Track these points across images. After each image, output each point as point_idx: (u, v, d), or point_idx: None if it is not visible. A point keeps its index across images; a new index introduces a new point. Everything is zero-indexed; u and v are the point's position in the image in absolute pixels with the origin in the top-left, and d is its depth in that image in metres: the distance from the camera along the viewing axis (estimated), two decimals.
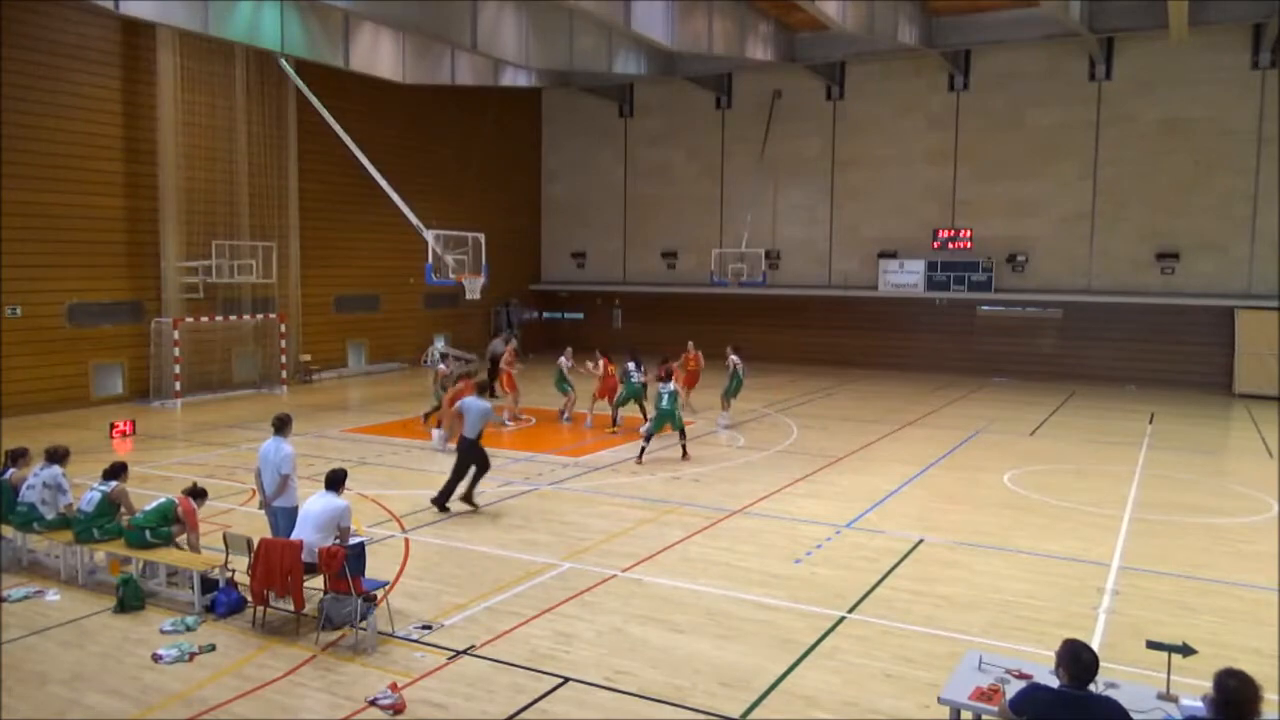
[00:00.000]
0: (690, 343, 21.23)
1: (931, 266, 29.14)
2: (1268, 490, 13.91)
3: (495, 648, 7.75)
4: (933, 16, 26.36)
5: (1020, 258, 28.40)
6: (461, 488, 12.15)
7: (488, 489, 13.40)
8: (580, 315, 35.94)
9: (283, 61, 21.81)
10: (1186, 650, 5.64)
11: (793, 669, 7.40)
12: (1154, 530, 11.72)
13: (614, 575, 9.64)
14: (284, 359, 24.46)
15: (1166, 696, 5.40)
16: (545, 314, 36.36)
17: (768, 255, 30.93)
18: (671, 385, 15.73)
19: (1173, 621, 8.46)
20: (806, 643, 7.91)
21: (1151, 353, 26.82)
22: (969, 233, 28.90)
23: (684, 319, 33.23)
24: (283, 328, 24.42)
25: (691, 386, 20.44)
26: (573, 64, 25.23)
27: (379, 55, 23.76)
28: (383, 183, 20.29)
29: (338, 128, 20.66)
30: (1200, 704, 4.71)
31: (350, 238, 27.56)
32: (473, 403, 12.33)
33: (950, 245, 29.14)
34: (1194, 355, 26.33)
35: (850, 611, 8.69)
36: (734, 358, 19.26)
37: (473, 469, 12.15)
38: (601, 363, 19.36)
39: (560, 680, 7.13)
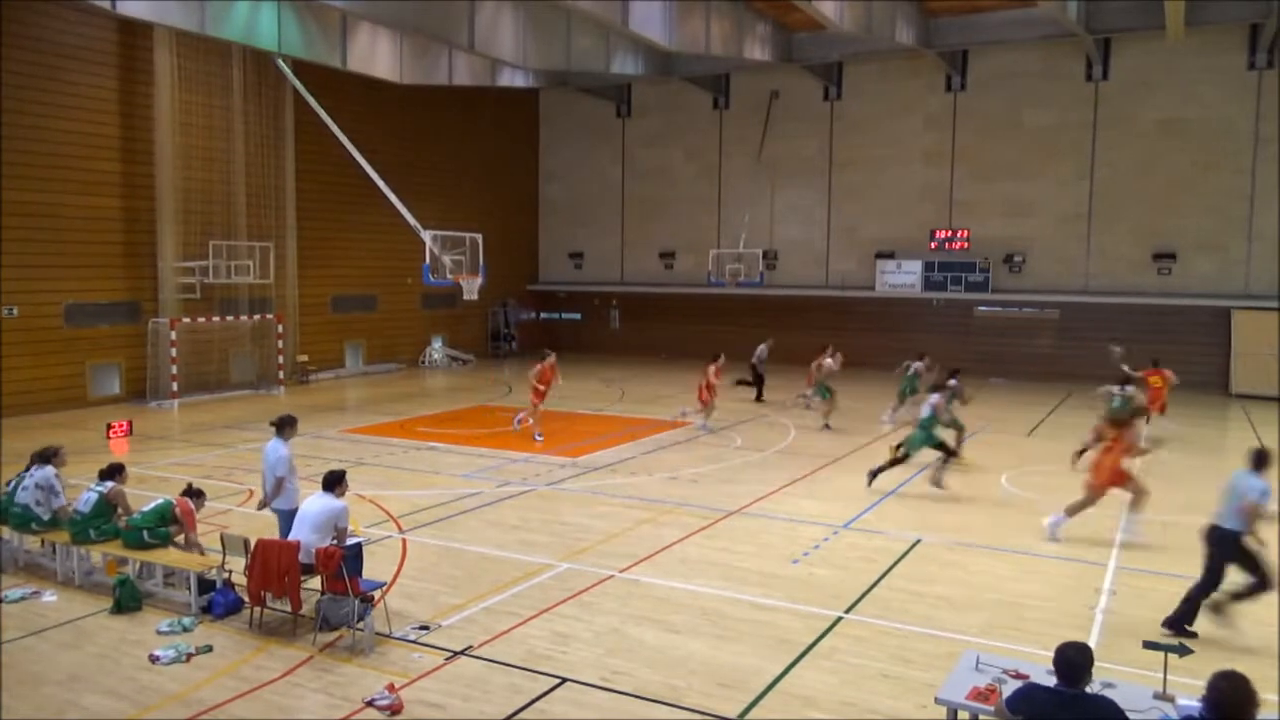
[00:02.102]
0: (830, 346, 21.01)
1: (929, 267, 29.18)
2: None
3: (493, 648, 7.75)
4: (930, 17, 26.37)
5: (1017, 258, 28.44)
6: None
7: (485, 489, 13.40)
8: (578, 316, 35.95)
9: (280, 61, 21.79)
10: (1183, 650, 5.64)
11: (790, 669, 7.40)
12: (1151, 530, 11.73)
13: (611, 576, 9.64)
14: (281, 359, 24.45)
15: (1163, 696, 5.41)
16: (543, 314, 36.36)
17: (765, 255, 30.95)
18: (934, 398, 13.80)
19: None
20: (804, 643, 7.91)
21: (1148, 353, 26.75)
22: (966, 233, 28.93)
23: (681, 319, 33.30)
24: (280, 328, 24.41)
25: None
26: (570, 64, 25.22)
27: (376, 55, 23.75)
28: (380, 183, 20.29)
29: (335, 128, 20.65)
30: (1198, 704, 4.72)
31: (347, 238, 27.55)
32: (1249, 481, 8.00)
33: (948, 246, 29.17)
34: (1191, 355, 26.32)
35: (848, 612, 8.70)
36: (917, 364, 19.90)
37: (1239, 581, 8.09)
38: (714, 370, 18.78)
39: (557, 680, 7.13)
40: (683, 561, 10.20)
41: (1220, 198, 26.02)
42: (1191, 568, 10.18)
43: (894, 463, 13.54)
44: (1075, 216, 27.84)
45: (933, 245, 29.30)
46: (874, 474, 13.53)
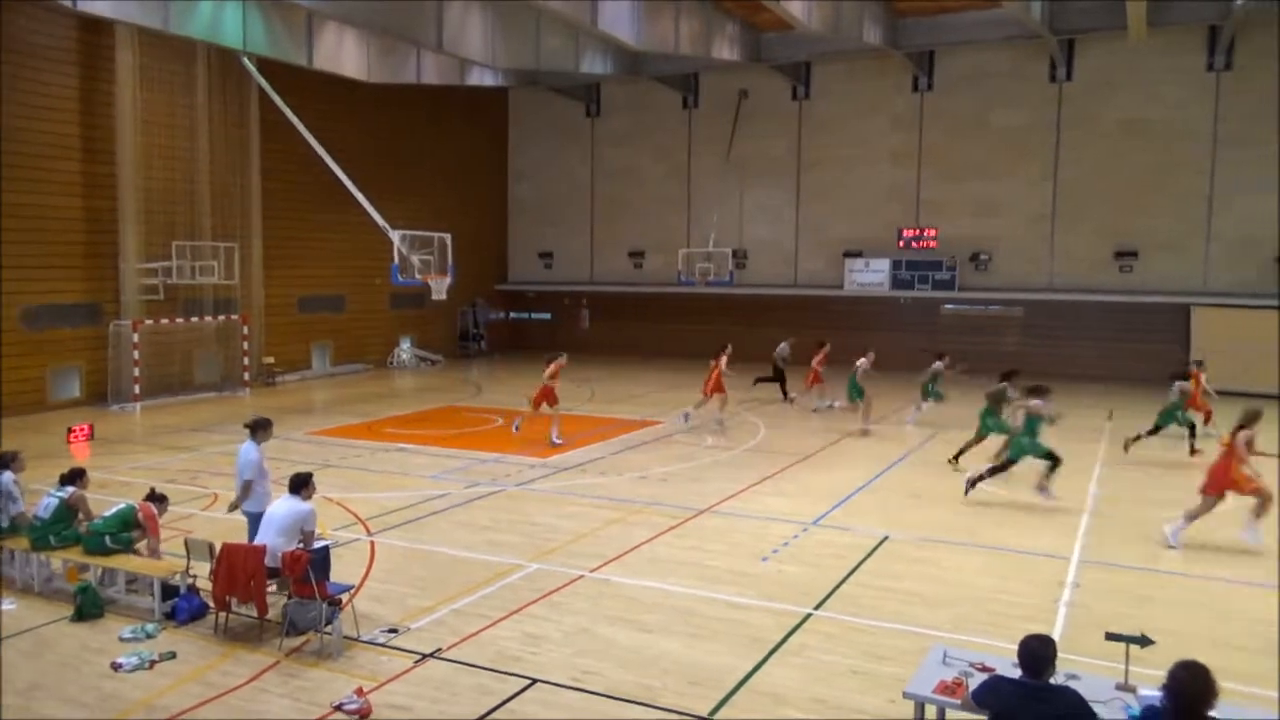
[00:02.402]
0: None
1: (896, 265, 29.43)
2: None
3: (462, 650, 7.71)
4: (897, 17, 26.60)
5: (983, 257, 28.76)
6: None
7: (453, 489, 13.33)
8: (548, 315, 35.85)
9: (245, 60, 21.54)
10: (1144, 641, 5.72)
11: (760, 666, 7.43)
12: (1114, 523, 11.91)
13: (581, 576, 9.62)
14: (246, 361, 24.17)
15: (1125, 687, 5.48)
16: (513, 314, 36.23)
17: (735, 255, 31.03)
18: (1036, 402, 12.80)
19: (1132, 613, 8.58)
20: (774, 640, 7.95)
21: (1111, 350, 27.25)
22: (933, 232, 29.21)
23: (651, 319, 33.33)
24: (245, 329, 24.12)
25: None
26: (540, 64, 25.17)
27: (343, 54, 23.54)
28: (347, 182, 20.12)
29: (300, 126, 20.44)
30: (1159, 694, 4.79)
31: (315, 238, 27.27)
32: None
33: (915, 245, 29.43)
34: (1151, 352, 26.76)
35: (817, 608, 8.75)
36: (938, 363, 19.78)
37: None
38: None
39: (528, 682, 7.11)
40: (652, 561, 10.20)
41: (1180, 197, 26.46)
42: (1153, 559, 10.36)
43: (995, 470, 12.91)
44: (1040, 216, 28.19)
45: (900, 244, 29.56)
46: (972, 483, 12.89)
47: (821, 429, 18.69)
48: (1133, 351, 27.00)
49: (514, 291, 36.17)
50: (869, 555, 10.41)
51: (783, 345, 23.05)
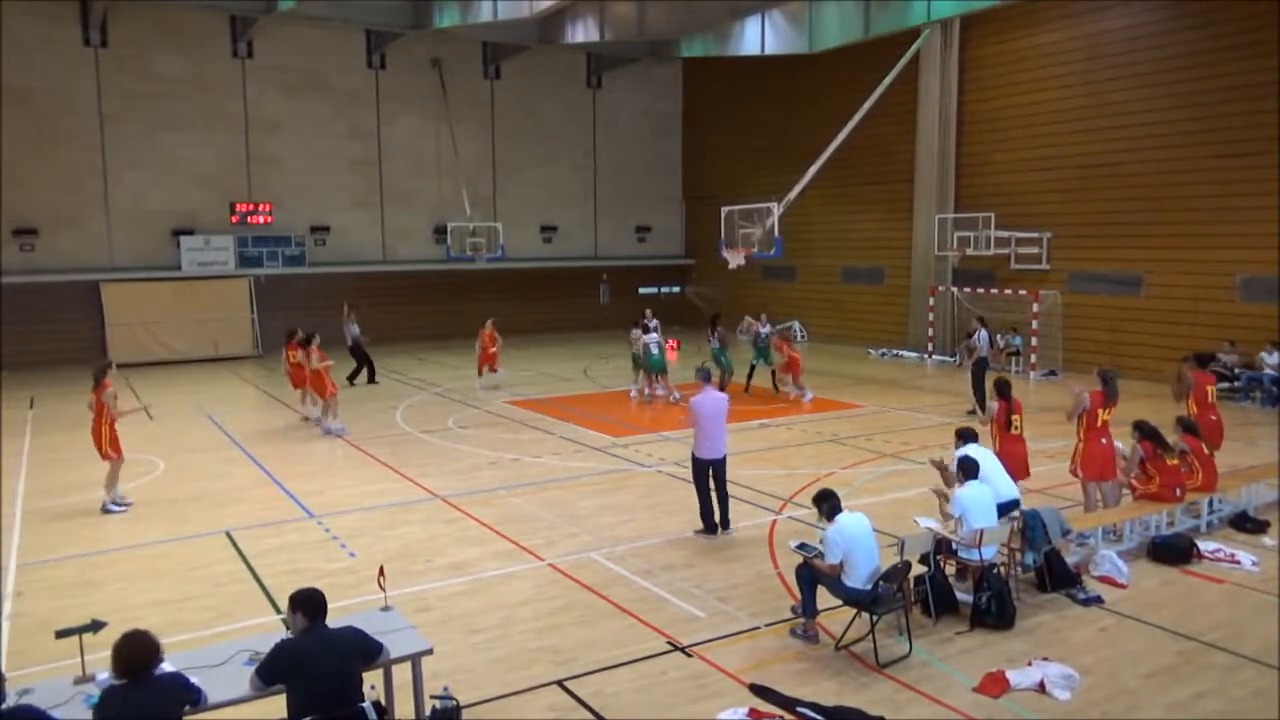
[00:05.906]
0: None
1: None
2: (148, 450, 14.81)
3: None
4: None
5: None
6: None
7: None
8: None
9: None
10: (96, 626, 5.65)
11: None
12: (52, 515, 11.39)
13: None
14: None
15: (84, 679, 5.38)
16: None
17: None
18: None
19: (81, 603, 8.39)
20: None
21: (21, 334, 25.37)
22: None
23: None
24: None
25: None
26: None
27: None
28: None
29: None
30: (107, 675, 4.86)
31: None
32: None
33: None
34: (66, 332, 26.01)
35: None
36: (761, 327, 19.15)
37: None
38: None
39: None
40: None
41: (73, 172, 26.04)
42: (94, 542, 10.28)
43: None
44: None
45: None
46: None
47: None
48: (45, 334, 25.76)
49: None
50: None
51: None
